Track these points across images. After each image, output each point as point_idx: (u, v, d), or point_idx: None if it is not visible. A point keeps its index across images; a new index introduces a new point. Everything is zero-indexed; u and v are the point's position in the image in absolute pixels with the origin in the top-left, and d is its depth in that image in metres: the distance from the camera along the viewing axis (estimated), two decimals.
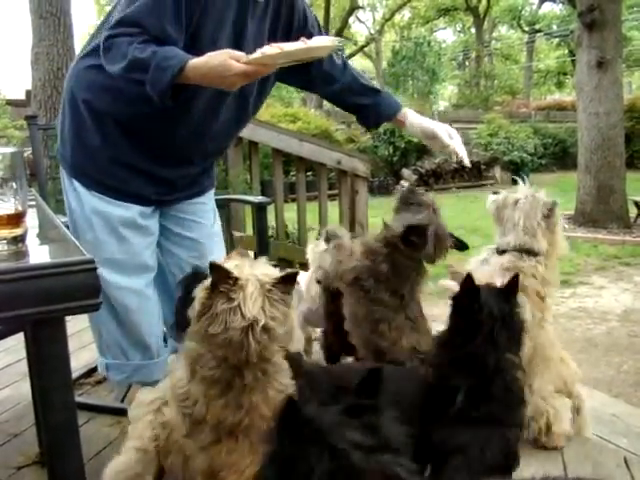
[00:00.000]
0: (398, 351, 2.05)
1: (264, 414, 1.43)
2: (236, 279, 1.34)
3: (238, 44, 1.96)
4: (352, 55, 29.60)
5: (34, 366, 0.93)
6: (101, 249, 2.08)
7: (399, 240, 2.09)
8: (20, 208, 1.00)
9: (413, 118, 2.36)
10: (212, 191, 2.45)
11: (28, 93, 7.55)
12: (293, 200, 5.49)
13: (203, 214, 2.37)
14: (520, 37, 33.20)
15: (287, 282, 1.39)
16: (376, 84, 2.42)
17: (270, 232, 4.51)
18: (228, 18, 1.94)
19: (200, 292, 1.39)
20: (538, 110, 20.59)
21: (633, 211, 8.96)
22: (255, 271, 1.39)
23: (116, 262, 2.09)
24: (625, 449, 2.32)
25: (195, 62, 1.78)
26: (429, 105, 20.01)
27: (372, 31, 30.85)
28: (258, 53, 1.78)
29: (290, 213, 5.43)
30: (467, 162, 2.37)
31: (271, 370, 1.47)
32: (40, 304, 0.84)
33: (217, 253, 2.43)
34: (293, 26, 2.15)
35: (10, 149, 0.99)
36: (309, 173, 7.61)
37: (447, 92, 32.25)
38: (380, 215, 7.40)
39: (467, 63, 32.36)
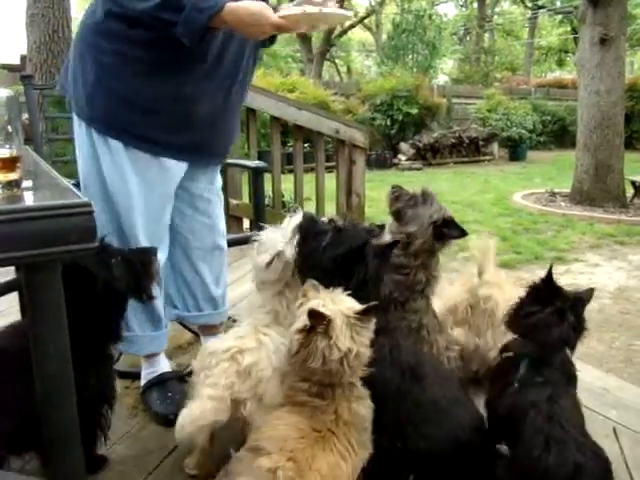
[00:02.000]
0: None
1: (347, 421, 1.60)
2: (329, 320, 1.51)
3: None
4: (352, 27, 29.22)
5: (28, 312, 0.90)
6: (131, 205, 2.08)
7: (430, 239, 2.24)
8: (15, 153, 0.98)
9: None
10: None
11: (23, 58, 7.42)
12: (290, 171, 5.46)
13: (215, 176, 2.41)
14: (523, 13, 32.84)
15: (367, 314, 1.60)
16: None
17: (266, 201, 4.48)
18: None
19: (295, 335, 1.57)
20: (538, 87, 20.45)
21: (630, 191, 8.94)
22: (338, 306, 1.59)
23: (143, 224, 2.10)
24: (614, 420, 2.35)
25: (234, 5, 1.77)
26: (428, 79, 19.83)
27: (372, 3, 30.40)
28: (296, 10, 1.82)
29: (287, 184, 5.40)
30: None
31: (355, 382, 1.66)
32: (35, 247, 0.82)
33: (222, 216, 2.46)
34: None
35: (5, 91, 0.96)
36: (306, 145, 7.58)
37: (447, 67, 31.94)
38: (377, 188, 7.44)
39: (468, 38, 32.00)
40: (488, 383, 2.08)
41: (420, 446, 1.82)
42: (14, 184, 0.97)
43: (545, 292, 1.86)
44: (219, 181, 2.44)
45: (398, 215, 2.31)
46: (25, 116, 3.23)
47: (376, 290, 1.89)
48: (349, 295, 1.69)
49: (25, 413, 1.61)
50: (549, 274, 1.86)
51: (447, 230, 2.27)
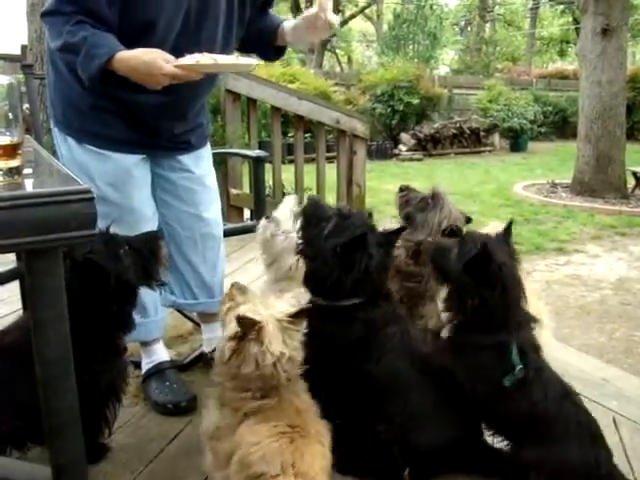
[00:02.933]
0: None
1: (304, 409, 1.62)
2: (261, 326, 1.51)
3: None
4: (353, 17, 29.13)
5: (29, 299, 0.90)
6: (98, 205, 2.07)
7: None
8: (16, 139, 0.97)
9: (289, 23, 2.25)
10: (206, 147, 2.44)
11: (23, 48, 7.36)
12: (290, 162, 5.45)
13: (198, 164, 2.37)
14: (524, 3, 32.68)
15: (298, 317, 1.60)
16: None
17: (267, 191, 4.48)
18: None
19: (227, 342, 1.56)
20: (539, 78, 20.37)
21: (631, 182, 8.93)
22: (270, 310, 1.58)
23: (117, 216, 2.06)
24: (614, 411, 2.36)
25: (124, 55, 1.82)
26: (429, 70, 19.77)
27: None
28: (191, 60, 1.85)
29: (287, 174, 5.40)
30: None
31: (294, 380, 1.66)
32: (35, 233, 0.81)
33: (213, 207, 2.44)
34: None
35: (6, 78, 0.96)
36: (307, 135, 7.56)
37: (448, 57, 31.84)
38: (377, 179, 7.45)
39: (469, 28, 31.88)
40: None
41: (422, 440, 1.82)
42: (15, 171, 0.97)
43: None
44: (205, 169, 2.42)
45: (407, 219, 2.31)
46: (26, 106, 3.21)
47: (381, 279, 1.87)
48: (351, 286, 1.74)
49: (28, 408, 1.64)
50: None
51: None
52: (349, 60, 33.56)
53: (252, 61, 2.03)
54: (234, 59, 2.02)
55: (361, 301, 1.85)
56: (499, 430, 1.87)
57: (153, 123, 2.15)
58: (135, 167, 2.16)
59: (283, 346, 1.54)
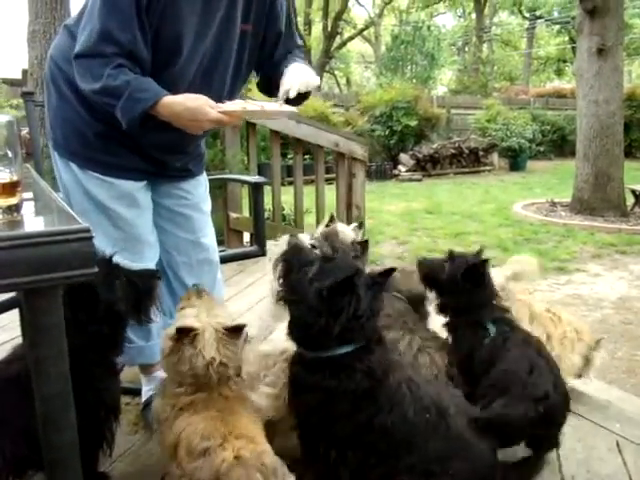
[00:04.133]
0: None
1: (234, 396, 1.76)
2: (196, 333, 1.68)
3: (203, 33, 1.97)
4: (351, 38, 29.42)
5: (29, 336, 0.91)
6: (101, 231, 2.09)
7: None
8: (15, 177, 0.98)
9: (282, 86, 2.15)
10: (203, 174, 2.45)
11: (24, 72, 7.43)
12: (290, 183, 5.48)
13: (195, 191, 2.38)
14: (521, 23, 32.99)
15: (235, 332, 1.76)
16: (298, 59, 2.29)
17: (266, 214, 4.50)
18: (191, 13, 1.93)
19: (166, 341, 1.74)
20: (537, 97, 20.50)
21: (630, 200, 8.94)
22: (212, 319, 1.75)
23: (118, 243, 2.10)
24: (617, 434, 2.35)
25: (169, 100, 1.83)
26: (427, 90, 19.90)
27: (372, 14, 30.57)
28: (235, 106, 1.87)
29: (286, 196, 5.41)
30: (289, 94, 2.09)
31: (231, 376, 1.79)
32: (35, 272, 0.82)
33: (209, 232, 2.45)
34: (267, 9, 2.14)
35: (5, 117, 0.97)
36: (306, 156, 7.60)
37: (446, 77, 32.05)
38: (377, 200, 7.47)
39: (466, 49, 32.13)
40: None
41: None
42: (14, 209, 0.97)
43: None
44: (202, 195, 2.43)
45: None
46: (26, 130, 3.24)
47: (371, 325, 1.76)
48: (340, 333, 1.69)
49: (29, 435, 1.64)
50: None
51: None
52: (348, 81, 33.81)
53: (293, 109, 2.04)
54: (278, 106, 2.02)
55: (354, 349, 1.74)
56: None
57: (158, 155, 2.17)
58: (138, 192, 2.17)
59: (216, 353, 1.69)
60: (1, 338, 3.04)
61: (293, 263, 1.80)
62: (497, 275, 2.54)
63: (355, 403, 1.75)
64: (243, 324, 1.79)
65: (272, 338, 2.16)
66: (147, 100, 1.81)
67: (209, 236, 2.46)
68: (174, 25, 1.90)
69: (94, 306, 1.76)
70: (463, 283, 2.19)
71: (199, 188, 2.40)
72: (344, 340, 1.72)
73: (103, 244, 2.09)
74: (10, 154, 0.96)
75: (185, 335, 1.69)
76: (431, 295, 2.38)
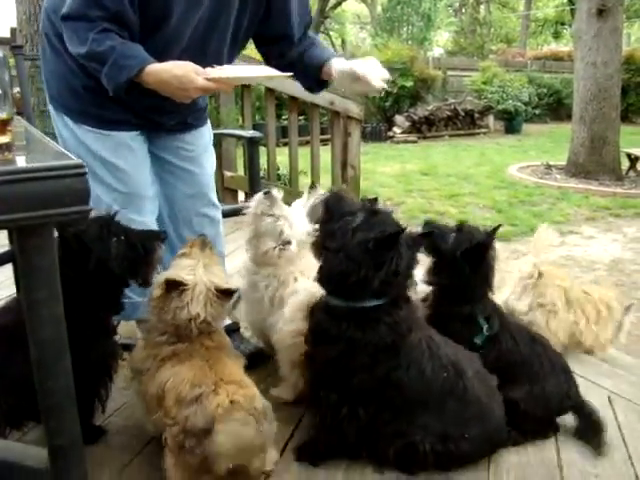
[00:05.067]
0: None
1: (207, 344, 1.77)
2: (185, 286, 1.70)
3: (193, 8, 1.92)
4: None
5: (22, 279, 0.89)
6: (101, 186, 2.09)
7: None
8: (5, 115, 0.95)
9: (339, 65, 2.17)
10: (206, 126, 2.41)
11: (13, 31, 7.26)
12: (285, 144, 5.42)
13: (196, 143, 2.35)
14: None
15: (227, 294, 1.77)
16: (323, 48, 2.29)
17: (261, 174, 4.46)
18: None
19: (156, 289, 1.75)
20: (534, 59, 20.29)
21: (625, 163, 8.94)
22: (206, 276, 1.74)
23: (114, 195, 2.10)
24: (609, 390, 2.39)
25: (155, 67, 1.78)
26: (423, 51, 19.66)
27: None
28: (222, 71, 1.82)
29: (281, 157, 5.37)
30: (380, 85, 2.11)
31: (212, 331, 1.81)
32: (27, 209, 0.79)
33: (211, 187, 2.43)
34: None
35: None
36: (301, 117, 7.52)
37: (442, 39, 31.63)
38: (372, 161, 7.43)
39: (463, 10, 31.64)
40: None
41: (463, 448, 1.78)
42: (5, 147, 0.95)
43: None
44: (203, 149, 2.39)
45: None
46: (17, 89, 3.17)
47: (404, 282, 1.77)
48: (378, 287, 1.68)
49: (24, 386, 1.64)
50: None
51: None
52: (343, 42, 33.31)
53: (285, 73, 1.98)
54: (269, 70, 1.97)
55: (384, 303, 1.74)
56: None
57: (149, 115, 2.13)
58: (134, 143, 2.14)
59: (202, 309, 1.71)
60: None
61: (334, 211, 1.77)
62: (526, 262, 2.58)
63: (376, 356, 1.74)
64: (235, 288, 1.81)
65: (299, 288, 2.15)
66: (132, 67, 1.78)
67: (211, 191, 2.43)
68: None
69: (85, 262, 1.73)
70: (462, 263, 2.01)
71: (200, 140, 2.36)
72: (378, 294, 1.72)
73: (104, 199, 2.09)
74: (0, 92, 0.93)
75: (173, 288, 1.71)
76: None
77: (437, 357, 1.78)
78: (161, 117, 2.14)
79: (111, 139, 2.08)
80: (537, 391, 1.99)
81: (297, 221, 2.18)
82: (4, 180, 0.79)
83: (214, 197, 2.46)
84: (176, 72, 1.79)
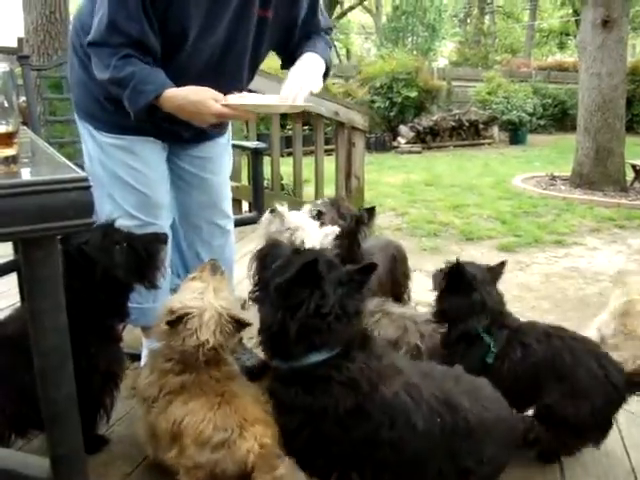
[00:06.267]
0: None
1: (214, 375, 1.71)
2: (189, 318, 1.65)
3: (211, 25, 1.95)
4: (352, 8, 28.99)
5: (26, 289, 0.89)
6: (119, 192, 2.14)
7: None
8: (11, 128, 0.96)
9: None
10: (224, 136, 2.43)
11: (20, 40, 7.33)
12: (289, 155, 5.44)
13: (212, 153, 2.38)
14: None
15: (240, 324, 1.71)
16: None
17: (265, 184, 4.48)
18: (197, 5, 1.90)
19: (163, 318, 1.69)
20: (539, 70, 20.30)
21: (630, 174, 8.90)
22: (216, 301, 1.68)
23: (134, 200, 2.14)
24: None
25: (172, 93, 1.83)
26: (428, 62, 19.71)
27: None
28: (244, 100, 1.85)
29: (286, 167, 5.38)
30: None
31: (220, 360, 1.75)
32: (32, 222, 0.81)
33: (224, 197, 2.45)
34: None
35: (1, 65, 0.95)
36: (305, 127, 7.54)
37: (447, 49, 31.70)
38: (376, 171, 7.44)
39: (468, 20, 31.72)
40: None
41: (486, 471, 1.64)
42: (11, 160, 0.96)
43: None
44: (218, 159, 2.41)
45: None
46: (22, 99, 3.20)
47: (345, 327, 1.51)
48: (302, 335, 1.50)
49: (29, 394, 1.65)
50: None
51: None
52: (348, 52, 33.41)
53: (304, 103, 1.99)
54: (286, 100, 1.95)
55: (329, 357, 1.52)
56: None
57: (168, 126, 2.15)
58: (152, 148, 2.19)
59: (212, 336, 1.65)
60: (0, 304, 3.04)
61: (267, 259, 1.67)
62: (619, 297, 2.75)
63: (342, 422, 1.52)
64: (249, 322, 1.72)
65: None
66: (150, 92, 1.82)
67: (224, 200, 2.47)
68: (179, 18, 1.89)
69: (90, 272, 1.75)
70: (445, 291, 2.04)
71: (217, 148, 2.39)
72: (311, 345, 1.50)
73: (122, 205, 2.12)
74: (6, 104, 0.94)
75: (179, 322, 1.66)
76: None
77: (425, 403, 1.57)
78: (179, 128, 2.17)
79: (132, 145, 2.13)
80: (568, 388, 1.91)
81: (310, 226, 2.18)
82: (9, 193, 0.80)
83: (226, 207, 2.48)
84: (192, 98, 1.83)
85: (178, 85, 1.88)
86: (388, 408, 1.54)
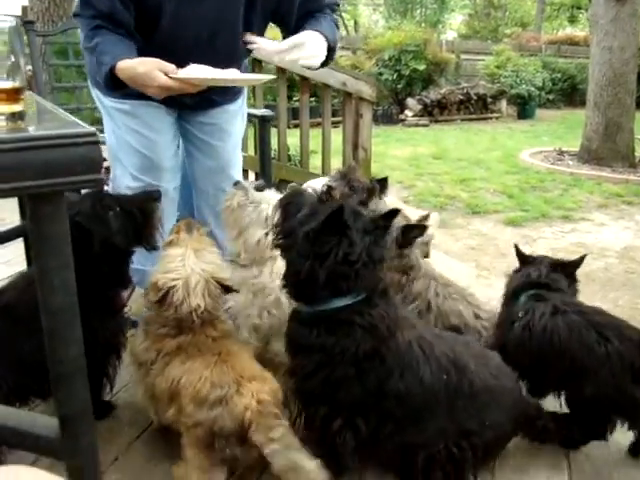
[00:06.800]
0: None
1: (211, 334, 1.73)
2: (176, 289, 1.65)
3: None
4: None
5: (33, 247, 0.89)
6: (125, 154, 2.18)
7: None
8: (18, 84, 0.95)
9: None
10: (235, 103, 2.40)
11: (24, 8, 7.28)
12: (295, 126, 5.39)
13: (220, 119, 2.37)
14: None
15: (225, 287, 1.74)
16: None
17: (272, 154, 4.45)
18: None
19: (151, 295, 1.70)
20: (549, 44, 20.05)
21: (639, 150, 8.85)
22: (198, 265, 1.68)
23: (139, 163, 2.18)
24: None
25: (123, 65, 1.83)
26: (437, 34, 19.48)
27: None
28: (197, 72, 1.83)
29: (292, 139, 5.34)
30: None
31: (213, 319, 1.77)
32: (40, 177, 0.79)
33: (233, 163, 2.44)
34: None
35: (8, 19, 0.93)
36: (312, 99, 7.47)
37: (456, 22, 31.28)
38: (383, 144, 7.38)
39: None
40: None
41: (488, 436, 1.66)
42: (18, 116, 0.95)
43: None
44: (226, 125, 2.40)
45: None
46: (28, 67, 3.17)
47: (370, 274, 1.56)
48: (329, 281, 1.53)
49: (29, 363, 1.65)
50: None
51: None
52: (355, 24, 33.02)
53: (261, 76, 1.98)
54: (237, 74, 1.96)
55: (354, 302, 1.57)
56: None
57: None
58: (156, 113, 2.20)
59: (202, 300, 1.66)
60: (5, 273, 3.05)
61: (290, 209, 1.67)
62: None
63: (359, 365, 1.57)
64: (234, 288, 1.79)
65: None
66: (107, 64, 1.85)
67: (232, 167, 2.46)
68: None
69: (87, 244, 1.70)
70: None
71: (225, 115, 2.38)
72: (337, 291, 1.55)
73: (127, 167, 2.13)
74: (13, 58, 0.93)
75: (166, 296, 1.67)
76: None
77: (434, 359, 1.62)
78: (180, 95, 2.16)
79: (135, 109, 2.15)
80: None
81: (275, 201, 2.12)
82: (16, 147, 0.79)
83: (235, 173, 2.48)
84: (139, 70, 1.82)
85: (169, 61, 1.85)
86: (401, 356, 1.59)
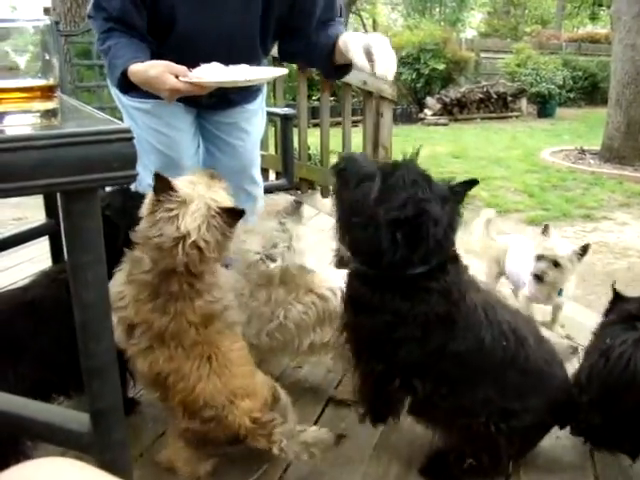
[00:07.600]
0: None
1: (191, 320, 1.53)
2: (177, 193, 1.46)
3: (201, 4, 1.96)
4: None
5: (67, 243, 0.90)
6: (145, 155, 2.16)
7: None
8: (52, 82, 0.96)
9: (345, 37, 1.98)
10: (253, 103, 2.40)
11: (46, 10, 7.38)
12: (315, 126, 5.40)
13: (239, 119, 2.37)
14: None
15: (232, 215, 1.51)
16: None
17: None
18: None
19: (148, 197, 1.52)
20: (569, 42, 19.87)
21: None
22: (208, 194, 1.51)
23: (159, 162, 2.17)
24: None
25: (134, 68, 1.82)
26: (456, 33, 19.39)
27: None
28: (208, 74, 1.80)
29: (312, 138, 5.35)
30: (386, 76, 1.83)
31: (198, 285, 1.55)
32: (74, 173, 0.80)
33: (252, 163, 2.45)
34: None
35: (44, 18, 0.94)
36: (332, 98, 7.47)
37: (475, 20, 31.11)
38: (402, 143, 7.35)
39: None
40: None
41: (527, 421, 1.63)
42: (52, 113, 0.96)
43: None
44: (246, 125, 2.39)
45: None
46: None
47: (448, 243, 1.54)
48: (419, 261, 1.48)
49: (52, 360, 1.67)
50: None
51: None
52: (374, 23, 32.94)
53: (274, 71, 1.95)
54: (261, 71, 1.91)
55: (430, 269, 1.53)
56: None
57: None
58: (175, 112, 2.20)
59: (195, 229, 1.44)
60: (31, 270, 3.08)
61: (349, 177, 1.57)
62: None
63: (428, 328, 1.56)
64: (243, 209, 1.54)
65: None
66: (118, 67, 1.85)
67: (252, 167, 2.46)
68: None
69: (113, 237, 1.70)
70: None
71: (244, 115, 2.37)
72: (419, 261, 1.51)
73: (148, 166, 2.15)
74: (47, 57, 0.94)
75: (164, 190, 1.47)
76: None
77: (496, 324, 1.60)
78: (195, 96, 2.17)
79: (154, 109, 2.15)
80: None
81: (300, 248, 2.00)
82: (52, 144, 0.80)
83: (255, 173, 2.48)
84: (151, 73, 1.80)
85: (187, 65, 1.85)
86: (467, 319, 1.59)
